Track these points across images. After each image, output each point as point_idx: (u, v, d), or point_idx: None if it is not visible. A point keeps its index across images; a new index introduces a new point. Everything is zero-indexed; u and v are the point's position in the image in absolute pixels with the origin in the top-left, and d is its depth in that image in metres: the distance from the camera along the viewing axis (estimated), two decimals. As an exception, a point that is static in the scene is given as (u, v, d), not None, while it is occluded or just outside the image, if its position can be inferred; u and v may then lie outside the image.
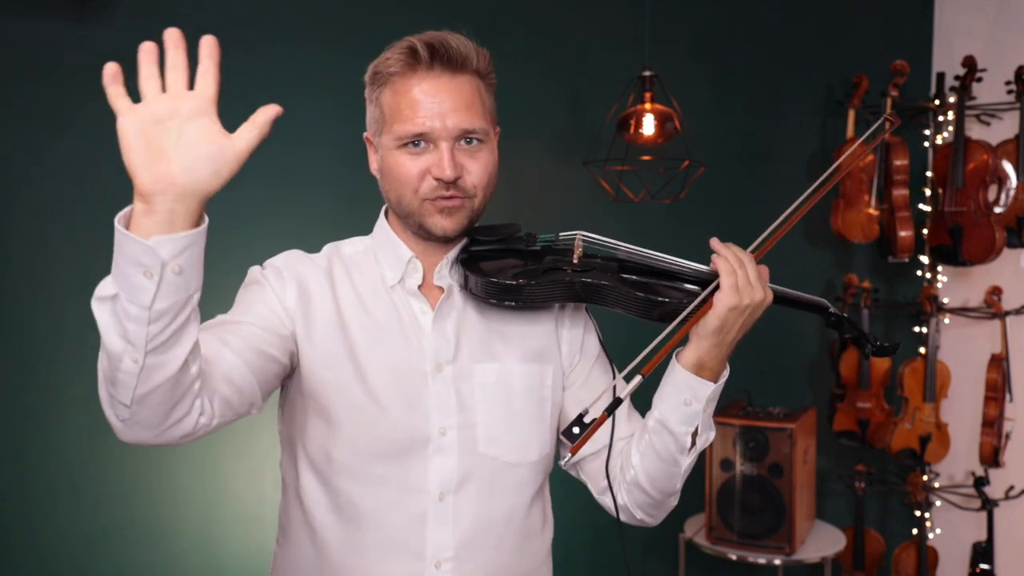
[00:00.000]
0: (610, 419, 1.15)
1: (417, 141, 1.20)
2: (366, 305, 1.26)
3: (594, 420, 1.11)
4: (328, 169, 2.54)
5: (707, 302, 1.16)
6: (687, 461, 1.23)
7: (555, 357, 1.32)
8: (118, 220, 0.93)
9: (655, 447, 1.23)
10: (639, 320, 1.22)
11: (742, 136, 3.28)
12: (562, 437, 1.13)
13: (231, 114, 2.64)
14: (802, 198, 1.29)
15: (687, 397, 1.19)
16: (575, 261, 1.26)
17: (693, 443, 1.22)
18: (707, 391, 1.19)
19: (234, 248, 2.43)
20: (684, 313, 1.16)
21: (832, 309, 1.31)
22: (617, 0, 3.03)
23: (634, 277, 1.24)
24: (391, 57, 1.21)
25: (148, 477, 2.34)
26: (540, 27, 2.93)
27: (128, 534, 2.32)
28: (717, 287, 1.16)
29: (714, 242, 1.21)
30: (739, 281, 1.15)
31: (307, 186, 2.52)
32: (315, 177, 2.53)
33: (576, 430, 1.11)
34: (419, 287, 1.28)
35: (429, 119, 1.18)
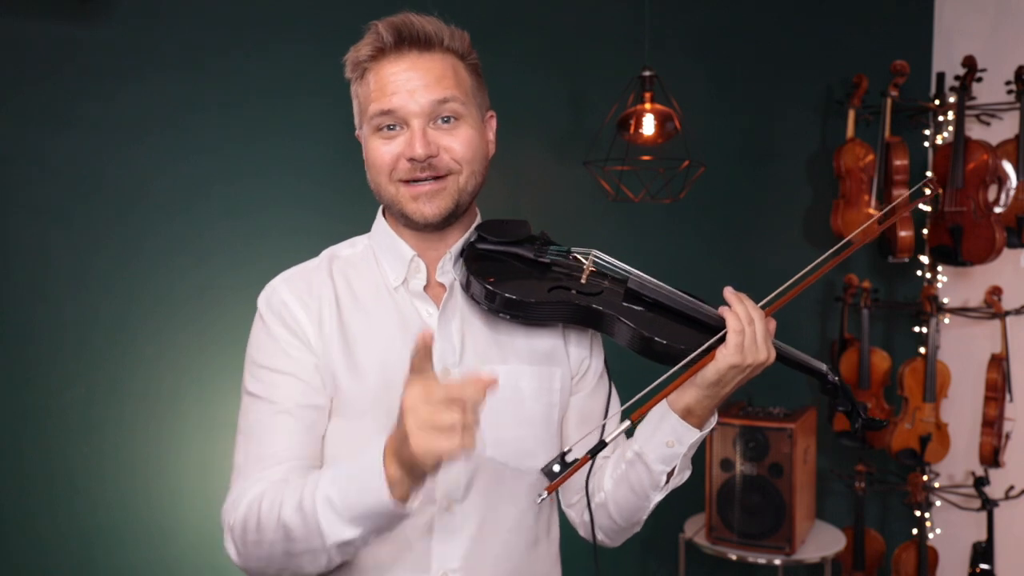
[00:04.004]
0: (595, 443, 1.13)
1: (392, 125, 1.17)
2: (368, 310, 1.22)
3: (576, 460, 1.08)
4: (328, 164, 2.54)
5: (709, 353, 1.13)
6: (658, 497, 1.23)
7: (563, 360, 1.28)
8: (396, 505, 0.99)
9: (629, 478, 1.22)
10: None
11: (742, 136, 3.28)
12: (540, 472, 1.08)
13: (231, 113, 2.64)
14: (833, 250, 1.27)
15: (670, 439, 1.17)
16: (583, 281, 1.21)
17: (667, 481, 1.21)
18: (692, 437, 1.17)
19: (236, 242, 2.43)
20: (683, 362, 1.13)
21: (831, 377, 1.28)
22: (617, 0, 3.03)
23: (639, 309, 1.19)
24: (360, 45, 1.19)
25: (147, 477, 2.34)
26: (540, 27, 2.93)
27: (128, 534, 2.31)
28: (722, 340, 1.13)
29: (728, 292, 1.17)
30: (745, 340, 1.12)
31: (308, 181, 2.53)
32: (316, 172, 2.53)
33: (556, 468, 1.07)
34: (424, 287, 1.24)
35: (398, 96, 1.15)
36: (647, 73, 2.65)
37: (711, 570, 3.21)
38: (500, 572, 1.22)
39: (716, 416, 1.20)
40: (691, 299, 1.21)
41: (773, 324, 1.17)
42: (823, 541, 2.96)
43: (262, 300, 1.24)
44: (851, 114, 3.19)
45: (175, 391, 2.36)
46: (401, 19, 1.17)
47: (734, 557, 2.84)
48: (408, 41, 1.17)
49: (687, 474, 1.23)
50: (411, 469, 0.96)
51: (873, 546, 3.25)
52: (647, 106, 2.63)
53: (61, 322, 2.24)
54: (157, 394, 2.34)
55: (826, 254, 1.27)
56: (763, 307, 1.18)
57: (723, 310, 1.15)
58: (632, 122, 2.62)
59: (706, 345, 1.13)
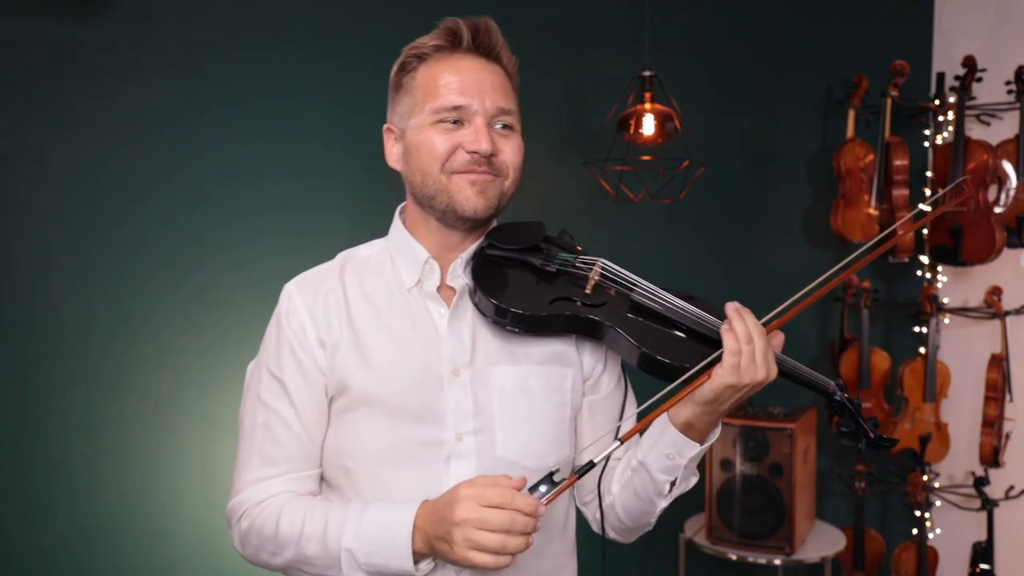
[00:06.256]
0: (615, 429, 1.16)
1: (455, 119, 1.20)
2: (381, 311, 1.24)
3: (563, 480, 1.08)
4: (328, 164, 2.54)
5: (706, 372, 1.12)
6: (663, 503, 1.24)
7: (575, 362, 1.29)
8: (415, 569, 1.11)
9: (634, 485, 1.23)
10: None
11: (742, 136, 3.28)
12: (526, 491, 1.08)
13: (231, 113, 2.64)
14: (840, 266, 1.24)
15: (671, 452, 1.18)
16: (587, 291, 1.21)
17: (671, 489, 1.22)
18: (692, 451, 1.18)
19: (236, 242, 2.43)
20: (678, 381, 1.12)
21: (837, 396, 1.25)
22: (617, 0, 3.03)
23: (642, 321, 1.18)
24: (431, 35, 1.23)
25: (147, 478, 2.34)
26: (540, 27, 2.93)
27: (128, 534, 2.31)
28: (719, 359, 1.11)
29: (729, 308, 1.14)
30: (742, 361, 1.10)
31: (308, 181, 2.52)
32: (315, 172, 2.53)
33: (543, 488, 1.07)
34: (437, 289, 1.26)
35: (468, 94, 1.19)
36: (647, 73, 2.65)
37: (711, 570, 3.21)
38: (514, 565, 1.23)
39: (719, 429, 1.20)
40: (698, 311, 1.19)
41: (780, 339, 1.16)
42: (823, 541, 2.96)
43: (280, 308, 1.27)
44: (851, 114, 3.19)
45: (175, 391, 2.36)
46: (483, 23, 1.22)
47: (734, 557, 2.84)
48: (481, 47, 1.23)
49: (693, 481, 1.24)
50: (438, 553, 1.07)
51: (873, 546, 3.25)
52: (647, 106, 2.62)
53: (61, 322, 2.24)
54: (157, 394, 2.34)
55: (840, 264, 1.25)
56: (768, 321, 1.16)
57: (723, 329, 1.13)
58: (632, 122, 2.62)
59: (701, 365, 1.12)
